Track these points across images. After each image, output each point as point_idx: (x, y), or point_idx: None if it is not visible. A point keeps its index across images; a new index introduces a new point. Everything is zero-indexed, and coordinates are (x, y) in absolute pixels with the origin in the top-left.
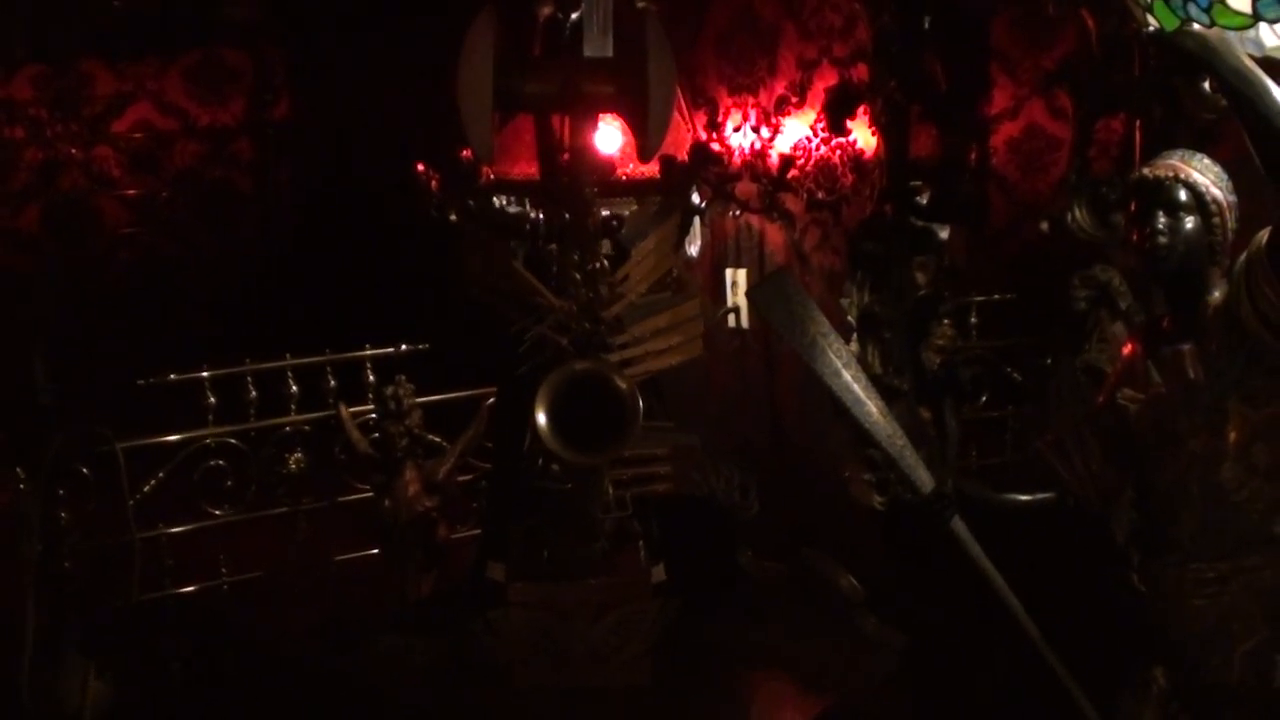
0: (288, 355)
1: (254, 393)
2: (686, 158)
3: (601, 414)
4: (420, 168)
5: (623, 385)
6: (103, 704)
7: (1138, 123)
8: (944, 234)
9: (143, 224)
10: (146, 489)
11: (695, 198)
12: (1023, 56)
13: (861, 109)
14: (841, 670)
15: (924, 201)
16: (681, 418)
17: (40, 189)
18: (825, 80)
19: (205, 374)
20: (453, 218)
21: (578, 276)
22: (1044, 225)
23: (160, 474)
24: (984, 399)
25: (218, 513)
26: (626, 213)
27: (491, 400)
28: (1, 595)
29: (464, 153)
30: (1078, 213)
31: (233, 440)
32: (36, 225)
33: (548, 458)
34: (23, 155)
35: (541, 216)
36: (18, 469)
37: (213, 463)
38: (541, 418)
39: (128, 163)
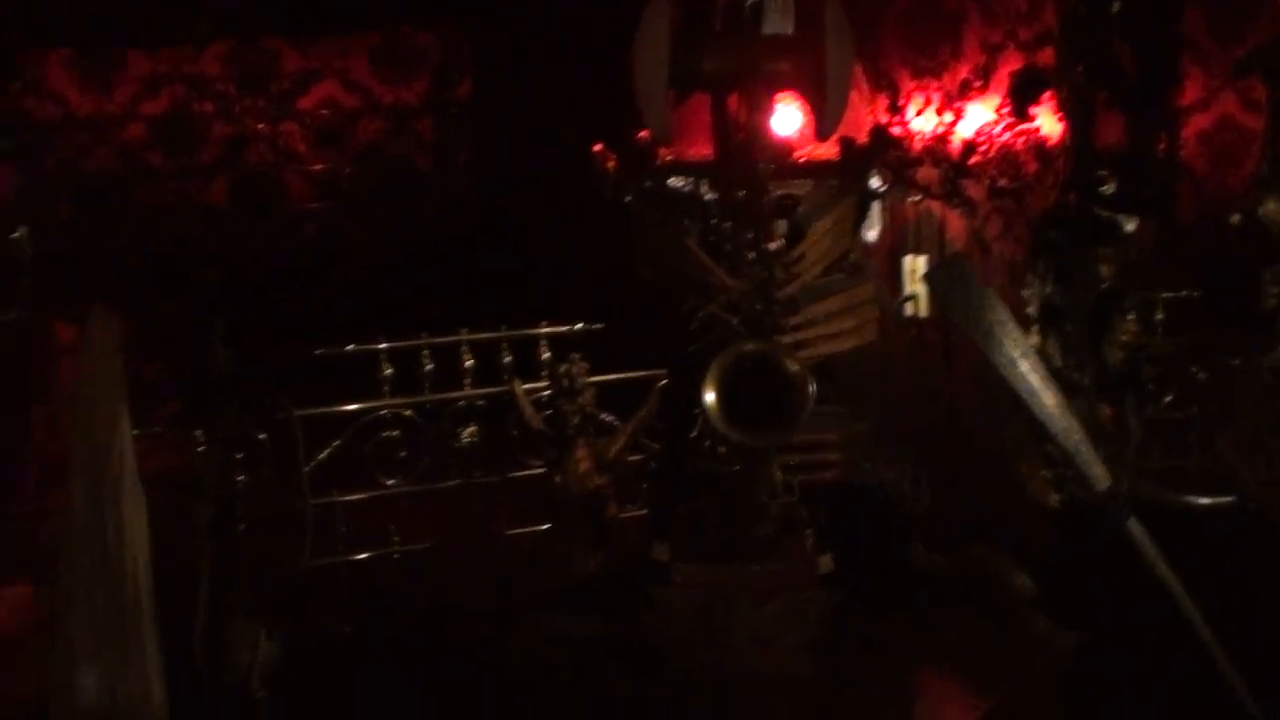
0: (464, 330)
1: (430, 366)
2: (866, 141)
3: (771, 397)
4: (597, 148)
5: (794, 368)
6: (271, 664)
7: None
8: (1130, 226)
9: (326, 199)
10: (321, 457)
11: (874, 182)
12: (1215, 47)
13: (1047, 95)
14: (1009, 669)
15: (1110, 192)
16: (854, 404)
17: (228, 163)
18: (1010, 65)
19: (382, 346)
20: (628, 199)
21: (751, 256)
22: (1235, 219)
23: (335, 443)
24: (1167, 398)
25: (390, 483)
26: (802, 193)
27: (663, 382)
28: (178, 557)
29: (641, 134)
30: (1270, 206)
31: (407, 412)
32: (224, 198)
33: (716, 439)
34: (211, 130)
35: (716, 196)
36: (196, 433)
37: (387, 434)
38: (710, 398)
39: (313, 139)
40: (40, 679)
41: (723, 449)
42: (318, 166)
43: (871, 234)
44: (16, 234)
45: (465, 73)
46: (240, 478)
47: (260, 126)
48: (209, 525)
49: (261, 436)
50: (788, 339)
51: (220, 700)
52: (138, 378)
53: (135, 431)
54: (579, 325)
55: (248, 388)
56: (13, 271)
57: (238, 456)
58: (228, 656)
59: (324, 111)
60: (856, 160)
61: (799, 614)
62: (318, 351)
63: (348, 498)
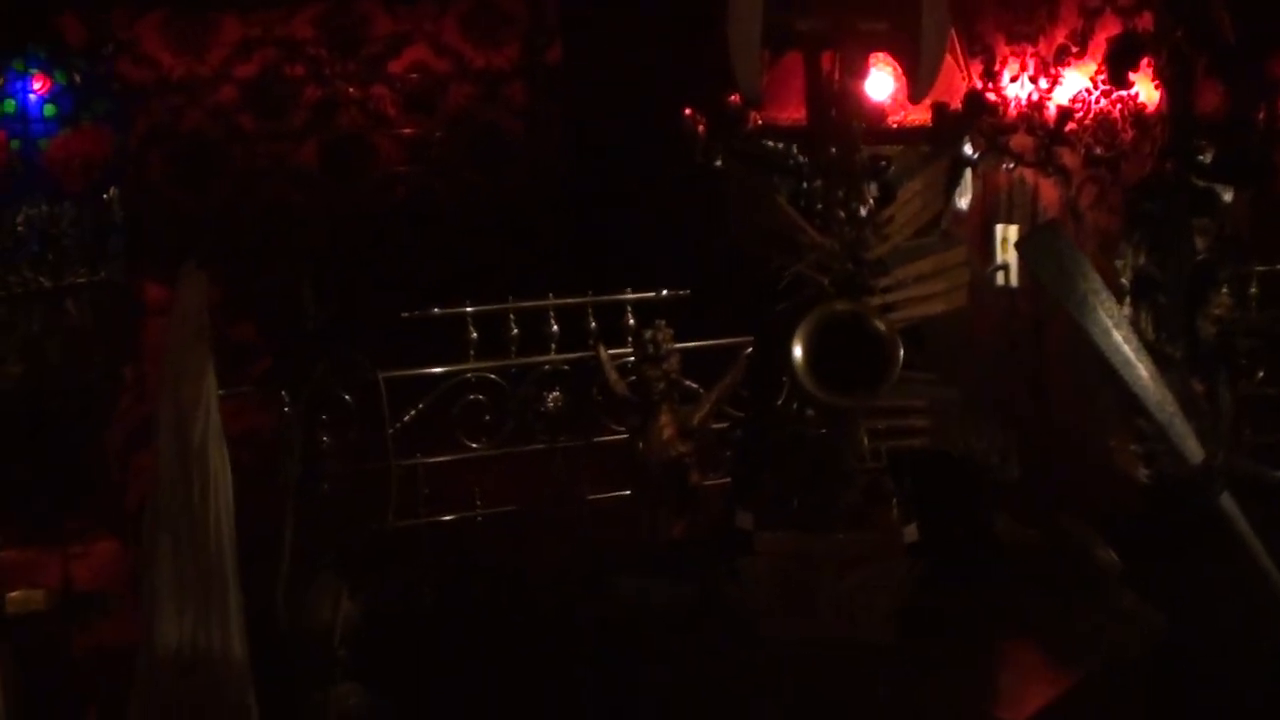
0: (550, 295)
1: (515, 330)
2: (960, 106)
3: (859, 357)
4: (687, 113)
5: (882, 329)
6: (353, 624)
7: None
8: (1227, 197)
9: (416, 163)
10: (406, 419)
11: (967, 148)
12: None
13: (1145, 61)
14: (1094, 645)
15: (1207, 161)
16: (942, 372)
17: (318, 126)
18: (1108, 29)
19: (468, 309)
20: (718, 163)
21: (842, 215)
22: None
23: (420, 405)
24: (1260, 374)
25: (475, 446)
26: (893, 155)
27: (749, 350)
28: (263, 515)
29: (731, 97)
30: None
31: (493, 376)
32: (314, 161)
33: (802, 403)
34: (302, 93)
35: (805, 156)
36: (283, 393)
37: (472, 397)
38: (798, 355)
39: (403, 102)
40: (127, 631)
41: (809, 411)
42: (408, 130)
43: (963, 202)
44: (107, 194)
45: (554, 37)
46: (325, 438)
47: (351, 90)
48: (294, 484)
49: (347, 397)
50: (877, 301)
51: (301, 658)
52: (225, 338)
53: (222, 391)
54: (664, 291)
55: (334, 349)
56: (104, 232)
57: (323, 417)
58: (310, 615)
59: (414, 75)
60: (950, 126)
61: (884, 583)
62: (405, 314)
63: (432, 459)
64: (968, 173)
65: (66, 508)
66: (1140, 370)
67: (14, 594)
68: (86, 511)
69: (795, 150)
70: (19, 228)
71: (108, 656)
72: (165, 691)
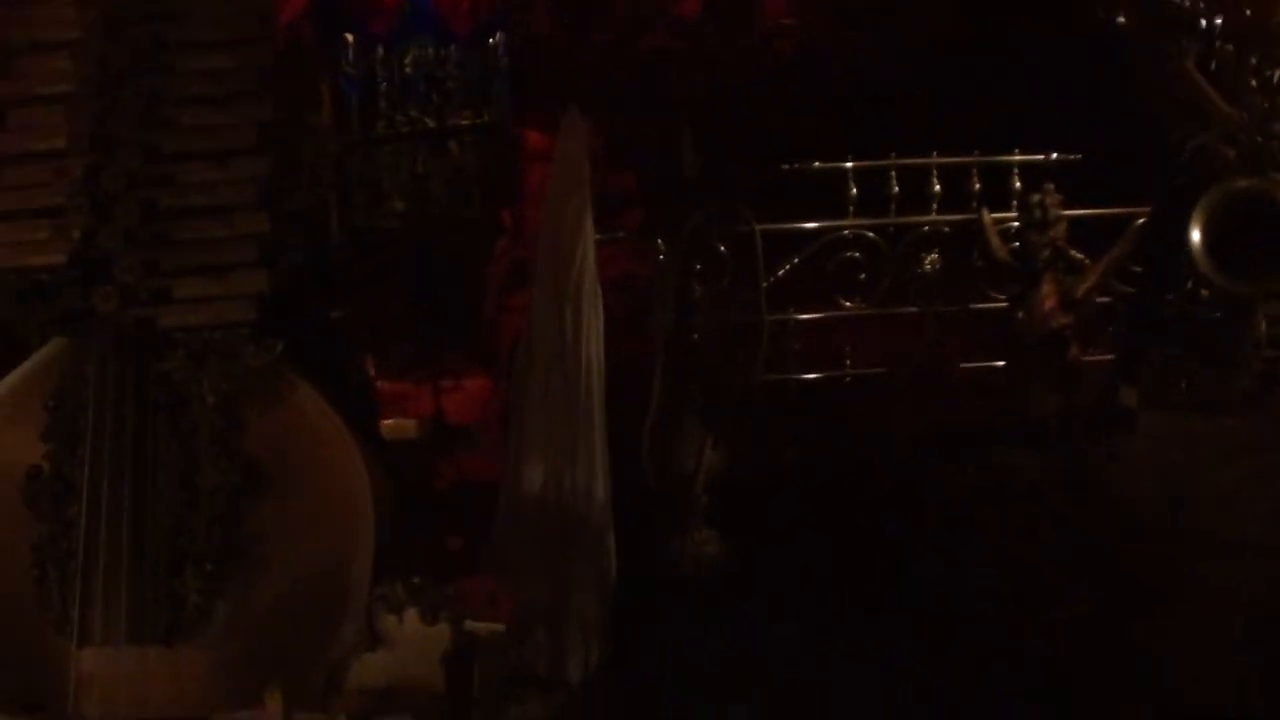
0: (934, 153)
1: (896, 188)
2: None
3: (1264, 238)
4: None
5: None
6: (715, 472)
7: None
8: None
9: (801, 14)
10: (780, 273)
11: None
12: None
13: None
14: None
15: None
16: None
17: None
18: None
19: (849, 164)
20: (1121, 20)
21: (1253, 83)
22: None
23: (795, 259)
24: None
25: (848, 304)
26: None
27: (1143, 220)
28: (633, 360)
29: None
30: None
31: (870, 234)
32: (697, 10)
33: (1197, 282)
34: None
35: (1216, 17)
36: (659, 242)
37: (848, 254)
38: (1196, 235)
39: None
40: (493, 466)
41: (1205, 293)
42: None
43: None
44: (493, 39)
45: None
46: (698, 288)
47: None
48: (666, 333)
49: (722, 248)
50: None
51: (663, 502)
52: (604, 186)
53: (599, 237)
54: (1054, 155)
55: (712, 199)
56: (488, 76)
57: (698, 267)
58: (674, 461)
59: None
60: None
61: (1271, 477)
62: (784, 167)
63: (804, 315)
64: None
65: (441, 343)
66: None
67: (388, 421)
68: (460, 348)
69: (1205, 9)
70: (406, 68)
71: (474, 488)
72: (528, 527)
